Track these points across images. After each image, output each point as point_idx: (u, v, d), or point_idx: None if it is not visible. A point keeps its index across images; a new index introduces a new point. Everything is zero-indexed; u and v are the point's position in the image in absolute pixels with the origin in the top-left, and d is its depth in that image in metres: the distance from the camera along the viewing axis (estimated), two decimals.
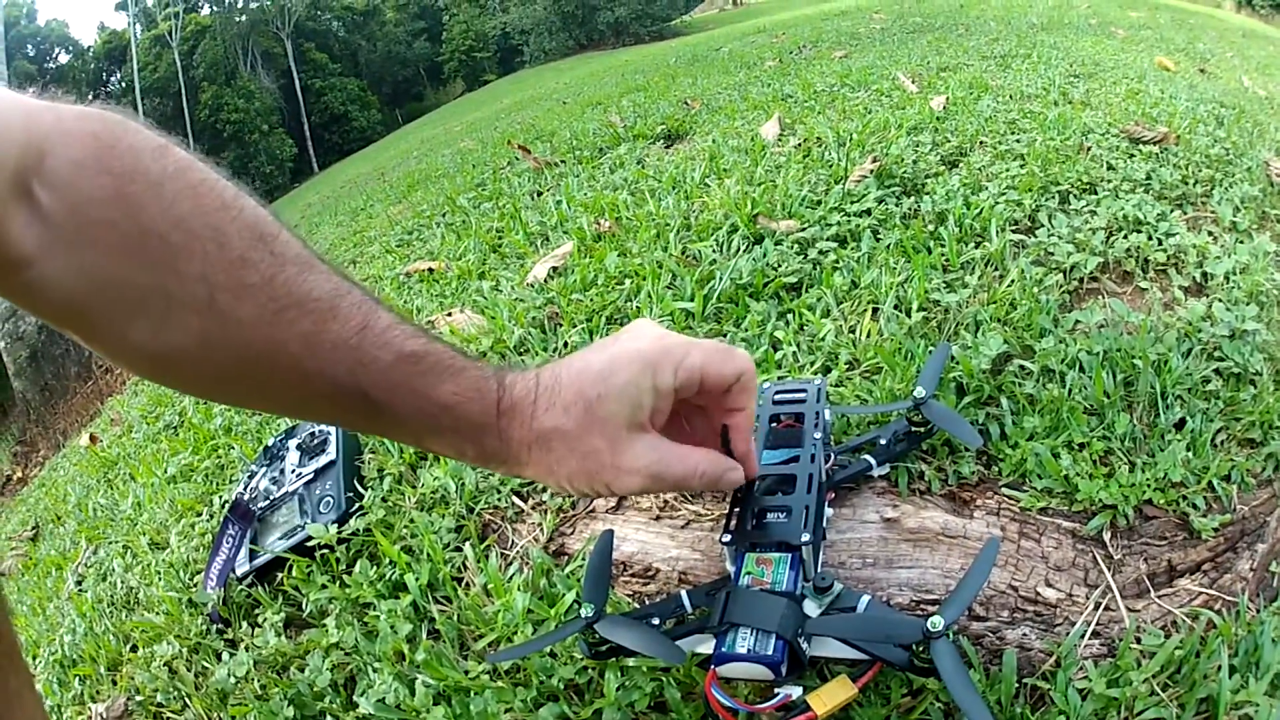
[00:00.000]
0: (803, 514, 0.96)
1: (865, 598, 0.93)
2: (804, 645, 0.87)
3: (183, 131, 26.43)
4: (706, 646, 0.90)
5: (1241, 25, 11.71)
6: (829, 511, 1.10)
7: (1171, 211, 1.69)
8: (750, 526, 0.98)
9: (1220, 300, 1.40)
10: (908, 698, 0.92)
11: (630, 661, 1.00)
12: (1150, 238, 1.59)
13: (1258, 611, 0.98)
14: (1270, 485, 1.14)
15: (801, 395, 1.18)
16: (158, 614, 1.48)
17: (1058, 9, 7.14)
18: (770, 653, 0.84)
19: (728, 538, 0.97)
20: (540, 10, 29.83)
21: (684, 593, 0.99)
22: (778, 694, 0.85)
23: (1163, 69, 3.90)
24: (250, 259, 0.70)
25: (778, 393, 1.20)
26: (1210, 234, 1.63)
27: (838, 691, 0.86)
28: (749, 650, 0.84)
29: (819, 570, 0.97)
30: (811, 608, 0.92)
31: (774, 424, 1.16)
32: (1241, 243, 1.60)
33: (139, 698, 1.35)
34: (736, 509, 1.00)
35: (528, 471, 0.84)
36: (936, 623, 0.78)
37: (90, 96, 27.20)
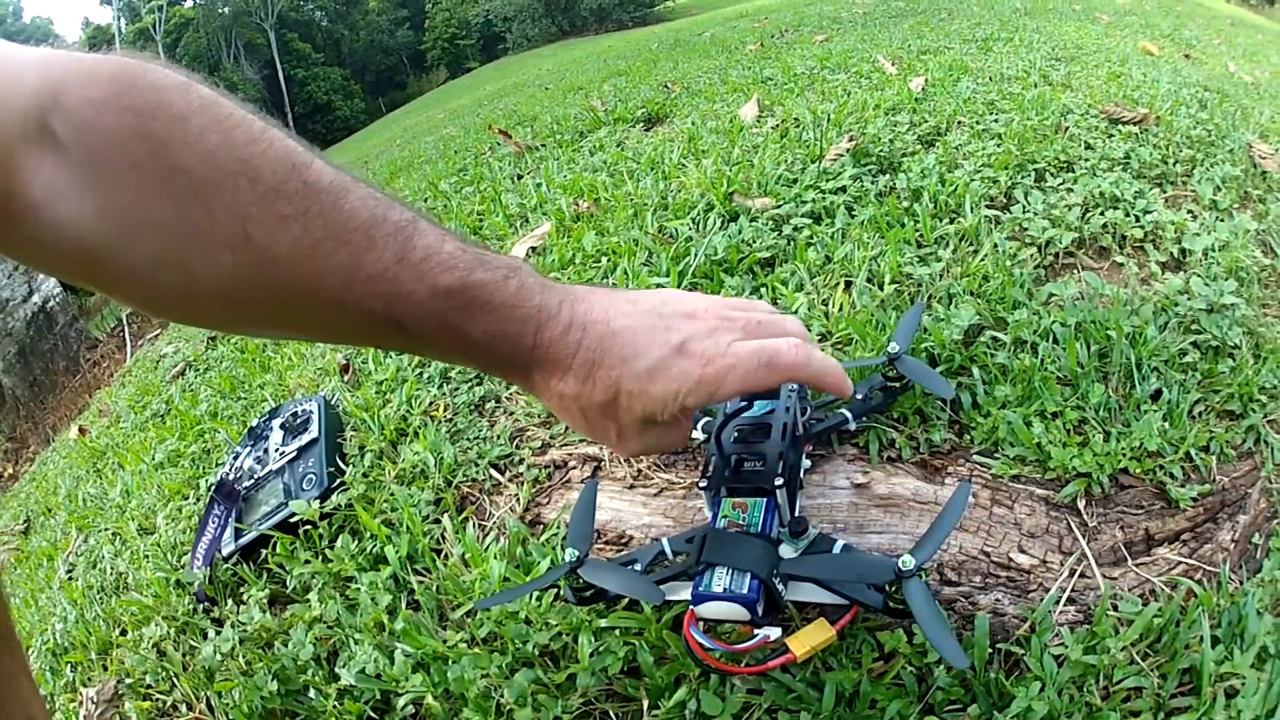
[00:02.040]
0: (777, 460, 0.98)
1: (840, 542, 0.94)
2: (780, 586, 0.88)
3: None
4: (687, 593, 0.91)
5: (1231, 13, 11.69)
6: (806, 463, 1.12)
7: (1150, 190, 1.70)
8: (726, 473, 1.00)
9: (1198, 275, 1.41)
10: (879, 662, 0.93)
11: (603, 623, 1.01)
12: (1127, 214, 1.59)
13: (1240, 583, 0.99)
14: (1251, 457, 1.15)
15: None
16: (146, 596, 1.49)
17: None
18: (746, 591, 0.85)
19: (704, 482, 0.99)
20: None
21: (665, 540, 1.01)
22: (756, 635, 0.86)
23: (1146, 54, 3.89)
24: (284, 190, 0.68)
25: None
26: (1190, 212, 1.64)
27: (816, 634, 0.88)
28: (725, 589, 0.86)
29: (795, 513, 0.99)
30: (788, 551, 0.94)
31: None
32: (1222, 221, 1.61)
33: (129, 680, 1.36)
34: (713, 457, 1.01)
35: (540, 402, 0.85)
36: (908, 561, 0.79)
37: None
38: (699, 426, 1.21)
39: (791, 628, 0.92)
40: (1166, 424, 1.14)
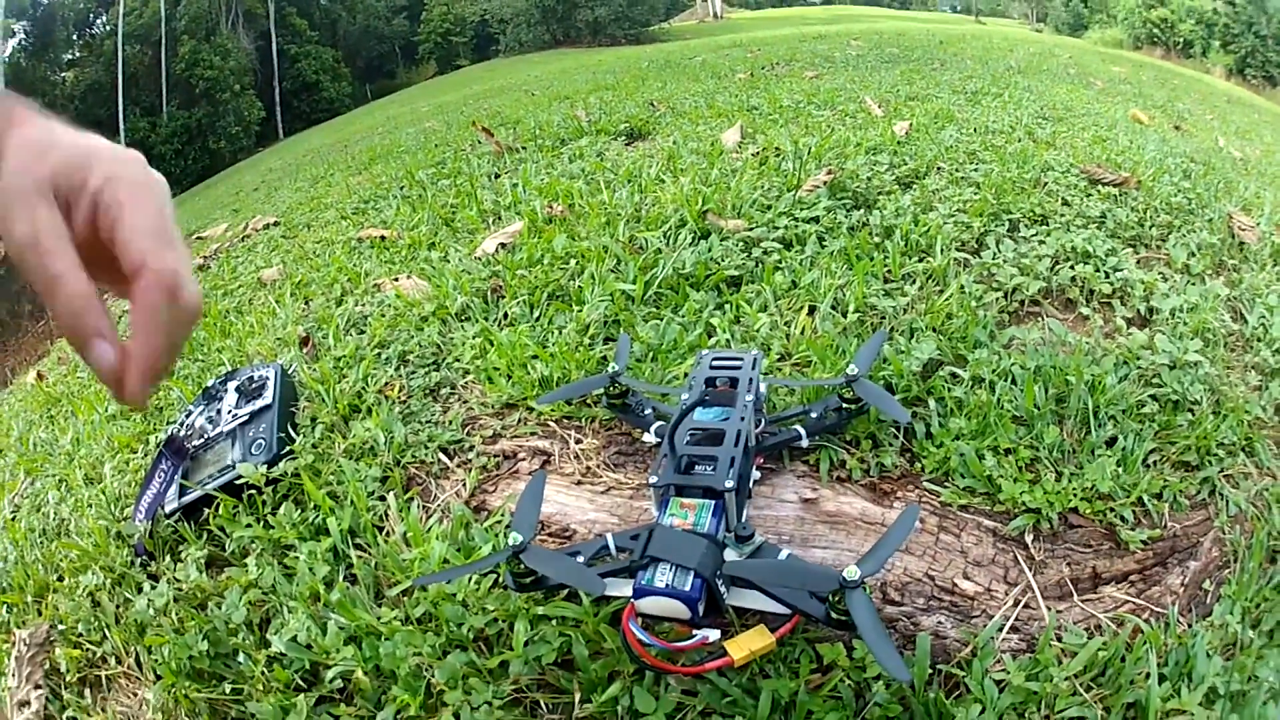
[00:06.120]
0: (728, 463, 0.99)
1: (785, 551, 0.95)
2: (722, 588, 0.89)
3: (157, 84, 25.91)
4: (628, 590, 0.91)
5: (1227, 91, 11.90)
6: (756, 474, 1.13)
7: (1123, 249, 1.72)
8: (677, 473, 1.00)
9: (1164, 333, 1.44)
10: (817, 673, 0.93)
11: (540, 610, 1.01)
12: (1098, 270, 1.62)
13: (1189, 625, 1.01)
14: (1205, 508, 1.17)
15: (738, 364, 1.21)
16: (85, 543, 1.47)
17: (1039, 56, 7.25)
18: (688, 589, 0.85)
19: (654, 479, 1.00)
20: (522, 1, 29.47)
21: (610, 535, 1.01)
22: (695, 635, 0.87)
23: (1136, 121, 3.95)
24: None
25: (715, 359, 1.23)
26: (1161, 274, 1.66)
27: (755, 639, 0.88)
28: (668, 585, 0.86)
29: (742, 520, 0.99)
30: (732, 555, 0.94)
31: (710, 386, 1.19)
32: (1193, 284, 1.63)
33: (61, 626, 1.34)
34: (665, 457, 1.02)
35: None
36: (853, 572, 0.79)
37: (75, 36, 26.47)
38: (652, 430, 1.21)
39: (731, 632, 0.92)
40: (1120, 469, 1.16)
